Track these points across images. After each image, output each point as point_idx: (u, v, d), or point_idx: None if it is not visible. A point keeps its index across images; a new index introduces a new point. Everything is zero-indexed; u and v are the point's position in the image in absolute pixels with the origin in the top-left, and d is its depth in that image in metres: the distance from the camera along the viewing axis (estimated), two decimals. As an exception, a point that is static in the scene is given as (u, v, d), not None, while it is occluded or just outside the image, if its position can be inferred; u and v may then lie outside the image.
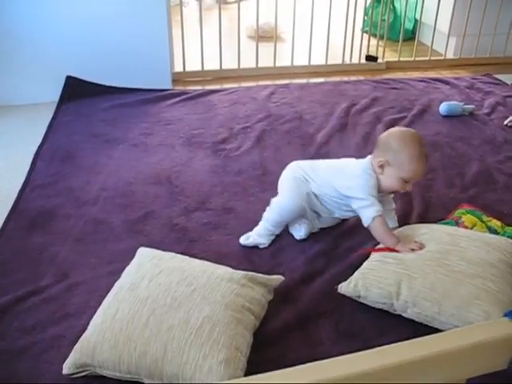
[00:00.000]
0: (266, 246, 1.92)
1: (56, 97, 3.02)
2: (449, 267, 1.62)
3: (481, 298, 1.54)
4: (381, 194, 1.88)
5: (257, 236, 1.94)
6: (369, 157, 1.91)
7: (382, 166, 1.83)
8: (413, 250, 1.73)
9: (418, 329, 1.57)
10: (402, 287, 1.60)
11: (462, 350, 0.61)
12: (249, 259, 1.86)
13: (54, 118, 2.84)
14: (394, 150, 1.81)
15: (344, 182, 1.88)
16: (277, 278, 1.63)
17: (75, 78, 3.10)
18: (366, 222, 1.82)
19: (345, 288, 1.67)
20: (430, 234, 1.80)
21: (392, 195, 1.98)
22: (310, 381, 0.65)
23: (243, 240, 1.93)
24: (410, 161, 1.80)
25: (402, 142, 1.81)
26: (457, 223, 2.04)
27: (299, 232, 1.96)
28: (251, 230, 1.97)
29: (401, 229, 1.90)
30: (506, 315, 0.66)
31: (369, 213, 1.80)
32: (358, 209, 1.84)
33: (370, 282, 1.64)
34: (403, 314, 1.62)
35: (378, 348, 0.65)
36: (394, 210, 2.00)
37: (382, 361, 0.60)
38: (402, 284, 1.61)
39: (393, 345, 0.64)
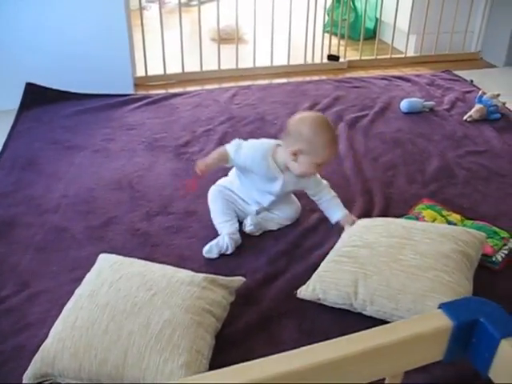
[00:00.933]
0: (230, 250, 1.90)
1: (15, 104, 2.98)
2: (403, 262, 1.64)
3: (436, 290, 1.57)
4: (299, 176, 1.94)
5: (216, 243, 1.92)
6: (273, 142, 1.96)
7: (295, 154, 1.86)
8: None
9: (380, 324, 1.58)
10: (358, 287, 1.62)
11: (398, 343, 0.62)
12: (211, 262, 1.86)
13: (13, 126, 2.80)
14: (306, 139, 1.83)
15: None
16: (238, 280, 1.64)
17: (35, 85, 3.06)
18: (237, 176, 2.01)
19: (304, 292, 1.69)
20: (386, 226, 1.82)
21: (316, 177, 2.01)
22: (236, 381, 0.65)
23: (206, 252, 1.90)
24: (323, 147, 1.84)
25: (314, 130, 1.84)
26: (417, 218, 2.07)
27: (248, 226, 1.97)
28: (213, 232, 1.97)
29: (358, 221, 1.93)
30: (440, 307, 0.68)
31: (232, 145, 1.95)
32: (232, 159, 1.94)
33: (327, 284, 1.65)
34: (363, 312, 1.64)
35: (310, 346, 0.66)
36: (335, 196, 2.02)
37: (314, 358, 0.60)
38: (359, 283, 1.63)
39: (326, 342, 0.65)
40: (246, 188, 2.02)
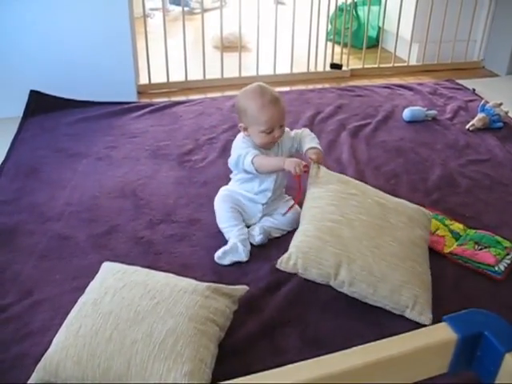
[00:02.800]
0: (245, 258, 1.90)
1: (19, 112, 2.99)
2: (384, 249, 1.70)
3: (411, 281, 1.67)
4: (265, 149, 1.98)
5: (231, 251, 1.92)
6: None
7: (245, 129, 1.95)
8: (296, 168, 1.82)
9: (382, 335, 1.58)
10: (341, 269, 1.66)
11: (403, 356, 0.62)
12: (214, 270, 1.86)
13: (17, 134, 2.81)
14: (243, 111, 1.91)
15: (231, 156, 2.01)
16: (241, 288, 1.64)
17: (39, 93, 3.07)
18: (250, 169, 1.91)
19: (284, 265, 1.68)
20: (360, 197, 1.84)
21: (289, 134, 2.05)
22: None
23: (218, 258, 1.91)
24: (258, 113, 1.88)
25: (245, 101, 1.91)
26: (420, 228, 2.07)
27: (257, 236, 1.97)
28: (217, 240, 1.98)
29: (324, 169, 1.93)
30: (444, 320, 0.68)
31: (247, 160, 1.90)
32: (240, 165, 1.94)
33: (310, 262, 1.67)
34: (337, 289, 1.70)
35: (315, 359, 0.66)
36: (313, 136, 2.05)
37: (319, 371, 0.61)
38: (342, 266, 1.66)
39: (331, 355, 0.65)
40: (249, 182, 2.03)
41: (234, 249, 1.90)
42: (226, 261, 1.89)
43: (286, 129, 2.05)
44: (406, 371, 0.65)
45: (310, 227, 1.75)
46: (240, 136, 2.01)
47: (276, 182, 2.02)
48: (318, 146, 1.99)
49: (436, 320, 1.57)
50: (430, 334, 0.66)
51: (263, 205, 2.04)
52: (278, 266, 1.69)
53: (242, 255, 1.90)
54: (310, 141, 2.01)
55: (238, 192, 2.06)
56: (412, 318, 1.67)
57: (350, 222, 1.75)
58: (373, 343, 0.67)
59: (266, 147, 1.98)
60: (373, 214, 1.80)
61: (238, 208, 2.03)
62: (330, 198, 1.82)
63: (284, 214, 2.03)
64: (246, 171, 1.96)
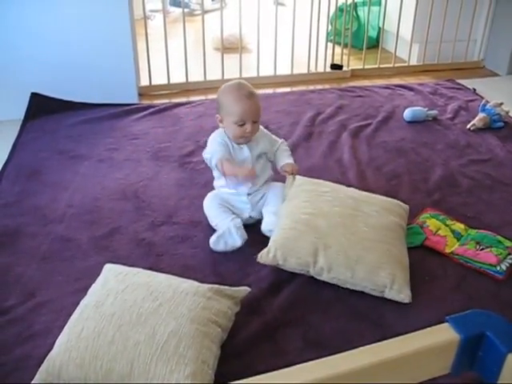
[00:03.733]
0: (239, 242, 1.92)
1: (20, 114, 3.00)
2: (358, 234, 1.78)
3: (387, 261, 1.75)
4: (237, 143, 2.07)
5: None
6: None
7: (220, 121, 2.07)
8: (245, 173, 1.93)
9: (384, 336, 1.58)
10: (318, 256, 1.74)
11: (406, 357, 0.63)
12: (215, 271, 1.86)
13: (18, 136, 2.82)
14: (219, 103, 2.06)
15: (206, 149, 2.12)
16: (243, 290, 1.64)
17: (40, 95, 3.07)
18: (219, 178, 2.08)
19: (264, 258, 1.77)
20: (334, 194, 1.96)
21: (271, 137, 2.17)
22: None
23: (213, 244, 1.94)
24: (232, 105, 2.00)
25: (223, 94, 2.05)
26: (421, 227, 2.07)
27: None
28: (218, 242, 1.98)
29: (299, 178, 2.06)
30: (447, 321, 0.68)
31: (213, 163, 2.02)
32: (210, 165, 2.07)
33: (288, 252, 1.75)
34: (317, 277, 1.76)
35: (319, 359, 0.66)
36: (287, 150, 2.17)
37: (320, 373, 0.61)
38: (319, 253, 1.74)
39: (333, 356, 0.65)
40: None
41: (227, 232, 1.92)
42: (221, 246, 1.92)
43: (266, 131, 2.16)
44: (409, 372, 0.66)
45: (286, 221, 1.86)
46: (217, 131, 2.12)
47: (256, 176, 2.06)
48: (292, 161, 2.13)
49: (438, 320, 1.57)
50: (433, 334, 0.66)
51: (248, 195, 2.07)
52: (258, 259, 1.77)
53: (236, 238, 1.91)
54: (285, 157, 2.14)
55: (222, 190, 2.11)
56: (392, 298, 1.73)
57: (324, 214, 1.85)
58: (375, 344, 0.67)
59: (239, 142, 2.06)
60: (346, 205, 1.91)
61: (226, 204, 2.06)
62: (304, 196, 1.95)
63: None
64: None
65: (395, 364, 0.63)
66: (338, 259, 1.73)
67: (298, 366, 0.67)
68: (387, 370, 0.64)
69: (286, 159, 2.12)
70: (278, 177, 2.18)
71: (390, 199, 2.06)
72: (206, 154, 2.08)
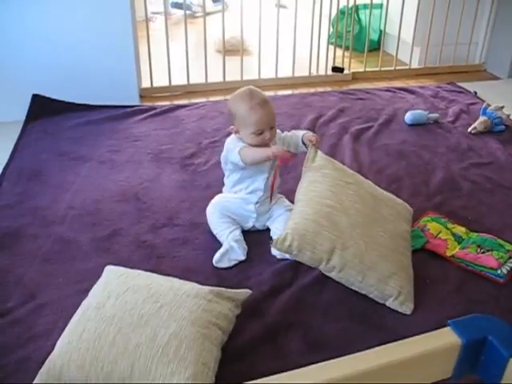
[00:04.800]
0: (242, 256, 1.92)
1: (22, 116, 3.00)
2: (375, 239, 1.76)
3: (398, 273, 1.74)
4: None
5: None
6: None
7: (237, 132, 1.99)
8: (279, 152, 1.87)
9: (385, 339, 1.58)
10: (334, 255, 1.70)
11: (408, 361, 0.63)
12: (216, 274, 1.86)
13: (20, 137, 2.82)
14: (233, 114, 1.97)
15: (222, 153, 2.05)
16: (244, 292, 1.64)
17: (41, 96, 3.08)
18: (237, 160, 1.95)
19: (279, 245, 1.70)
20: (355, 187, 1.91)
21: (280, 135, 2.08)
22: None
23: (217, 262, 1.91)
24: (247, 116, 1.92)
25: (235, 104, 1.96)
26: (422, 231, 2.07)
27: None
28: (219, 244, 1.97)
29: (321, 154, 1.99)
30: (449, 325, 0.68)
31: (234, 152, 1.94)
32: (228, 157, 1.99)
33: (305, 245, 1.69)
34: (325, 273, 1.75)
35: (319, 364, 0.66)
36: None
37: (322, 376, 0.61)
38: (335, 252, 1.70)
39: (335, 360, 0.65)
40: (240, 182, 2.05)
41: (229, 250, 1.92)
42: (225, 263, 1.90)
43: (278, 131, 2.08)
44: (410, 376, 0.66)
45: (308, 210, 1.78)
46: (232, 136, 2.05)
47: (267, 182, 2.04)
48: (306, 131, 2.07)
49: (438, 323, 1.57)
50: (435, 338, 0.66)
51: (255, 204, 2.04)
52: (272, 246, 1.72)
53: (239, 253, 1.91)
54: (303, 131, 2.08)
55: (229, 196, 2.09)
56: (394, 307, 1.73)
57: (345, 209, 1.80)
58: (377, 348, 0.67)
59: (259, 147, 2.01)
60: (366, 204, 1.87)
61: (228, 213, 2.04)
62: (328, 184, 1.87)
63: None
64: (233, 164, 1.99)
65: (397, 368, 0.63)
66: (352, 262, 1.70)
67: (300, 369, 0.67)
68: (389, 374, 0.64)
69: (304, 132, 2.06)
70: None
71: (400, 201, 2.05)
72: (226, 155, 2.02)
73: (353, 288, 1.75)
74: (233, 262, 1.91)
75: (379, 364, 0.63)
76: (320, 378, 0.64)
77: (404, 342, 0.66)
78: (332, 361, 0.66)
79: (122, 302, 1.47)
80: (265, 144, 1.96)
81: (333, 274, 1.73)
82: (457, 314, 0.83)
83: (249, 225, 2.06)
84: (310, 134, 2.03)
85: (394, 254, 1.77)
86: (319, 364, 0.69)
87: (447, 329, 0.67)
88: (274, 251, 1.93)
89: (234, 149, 1.95)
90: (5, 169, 2.52)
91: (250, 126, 1.93)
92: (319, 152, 2.00)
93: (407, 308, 1.73)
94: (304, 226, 1.72)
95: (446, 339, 0.66)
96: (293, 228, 1.72)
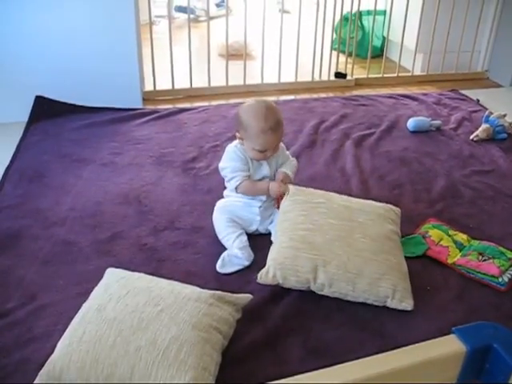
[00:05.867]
0: (247, 262, 1.92)
1: (24, 117, 3.00)
2: (356, 246, 1.77)
3: (387, 272, 1.74)
4: (258, 161, 2.02)
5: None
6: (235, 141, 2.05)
7: (240, 139, 1.99)
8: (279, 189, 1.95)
9: (385, 346, 1.57)
10: (318, 272, 1.72)
11: (412, 367, 0.62)
12: (217, 278, 1.86)
13: (22, 138, 2.82)
14: (243, 125, 1.94)
15: (221, 163, 2.06)
16: (245, 297, 1.63)
17: (44, 98, 3.08)
18: (233, 190, 2.01)
19: (264, 278, 1.75)
20: (328, 205, 1.91)
21: (284, 152, 2.11)
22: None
23: (220, 267, 1.91)
24: (257, 135, 1.91)
25: (249, 117, 1.92)
26: (424, 237, 2.07)
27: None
28: (220, 248, 1.97)
29: (292, 188, 1.99)
30: (454, 332, 0.68)
31: (231, 185, 2.01)
32: (226, 181, 2.04)
33: (287, 271, 1.73)
34: (318, 292, 1.75)
35: (319, 370, 0.66)
36: (294, 162, 2.14)
37: (329, 381, 0.61)
38: (318, 270, 1.72)
39: (345, 364, 0.65)
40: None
41: (233, 257, 1.92)
42: (228, 269, 1.90)
43: (283, 145, 2.10)
44: (415, 382, 0.65)
45: (284, 239, 1.82)
46: (235, 143, 2.05)
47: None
48: (289, 173, 2.06)
49: (439, 330, 1.56)
50: (439, 345, 0.66)
51: (259, 208, 2.05)
52: (258, 280, 1.74)
53: (243, 259, 1.91)
54: (287, 168, 2.08)
55: (233, 199, 2.09)
56: (395, 307, 1.74)
57: (320, 227, 1.82)
58: (380, 355, 0.67)
59: (257, 160, 2.03)
60: (341, 216, 1.88)
61: (234, 218, 2.04)
62: (299, 209, 1.90)
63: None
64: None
65: (402, 374, 0.63)
66: (338, 274, 1.71)
67: (303, 375, 0.66)
68: (393, 380, 0.64)
69: (284, 168, 2.07)
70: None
71: (382, 205, 2.02)
72: (225, 169, 2.03)
73: (349, 299, 1.75)
74: (236, 268, 1.90)
75: (384, 370, 0.63)
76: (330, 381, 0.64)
77: (408, 349, 0.66)
78: (335, 367, 0.66)
79: (122, 305, 1.47)
80: (265, 159, 2.00)
81: (325, 292, 1.74)
82: (458, 322, 0.83)
83: (253, 228, 2.06)
84: (282, 172, 2.05)
85: (378, 255, 1.77)
86: (321, 370, 0.68)
87: (452, 336, 0.67)
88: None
89: (230, 180, 2.00)
90: (7, 170, 2.52)
91: (256, 144, 1.93)
92: (290, 186, 2.01)
93: (407, 304, 1.73)
94: (282, 254, 1.77)
95: (450, 346, 0.65)
96: (273, 259, 1.77)
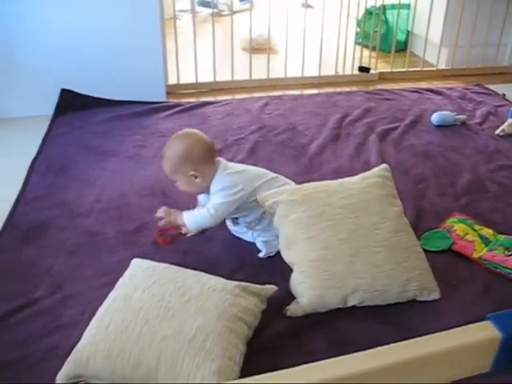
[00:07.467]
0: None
1: (50, 110, 3.04)
2: (375, 260, 1.71)
3: (412, 276, 1.72)
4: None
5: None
6: None
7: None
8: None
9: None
10: (347, 300, 1.70)
11: (446, 353, 0.62)
12: (241, 269, 1.86)
13: (48, 131, 2.85)
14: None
15: None
16: (270, 288, 1.64)
17: (70, 91, 3.11)
18: None
19: (294, 314, 1.69)
20: (329, 212, 1.78)
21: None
22: (305, 381, 0.65)
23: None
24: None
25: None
26: (449, 232, 2.06)
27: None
28: (244, 240, 1.99)
29: (292, 191, 1.88)
30: (488, 318, 0.67)
31: None
32: None
33: (317, 306, 1.69)
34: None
35: (365, 351, 0.66)
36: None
37: (368, 363, 0.61)
38: (348, 298, 1.70)
39: (379, 348, 0.65)
40: None
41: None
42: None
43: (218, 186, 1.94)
44: (447, 369, 0.65)
45: (302, 276, 1.73)
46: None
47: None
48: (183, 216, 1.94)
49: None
50: (473, 332, 0.65)
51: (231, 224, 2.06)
52: (288, 315, 1.69)
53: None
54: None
55: None
56: (423, 300, 1.76)
57: (334, 250, 1.73)
58: (412, 340, 0.67)
59: None
60: (348, 224, 1.77)
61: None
62: (303, 232, 1.77)
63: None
64: None
65: (434, 360, 0.63)
66: (366, 295, 1.70)
67: (332, 359, 0.66)
68: (425, 366, 0.64)
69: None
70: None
71: (371, 173, 1.95)
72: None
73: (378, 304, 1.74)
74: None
75: (415, 356, 0.63)
76: (352, 368, 0.64)
77: (441, 335, 0.65)
78: (363, 352, 0.66)
79: (149, 295, 1.48)
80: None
81: (355, 305, 1.73)
82: (482, 316, 0.81)
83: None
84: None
85: (398, 258, 1.74)
86: (353, 354, 0.68)
87: (486, 322, 0.67)
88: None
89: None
90: (33, 162, 2.55)
91: None
92: (271, 200, 1.84)
93: (435, 295, 1.76)
94: (307, 296, 1.69)
95: (484, 333, 0.65)
96: (299, 301, 1.70)
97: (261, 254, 1.94)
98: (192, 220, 1.90)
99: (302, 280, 1.72)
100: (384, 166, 2.02)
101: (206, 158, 1.88)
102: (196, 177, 1.87)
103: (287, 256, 1.80)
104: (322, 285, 1.69)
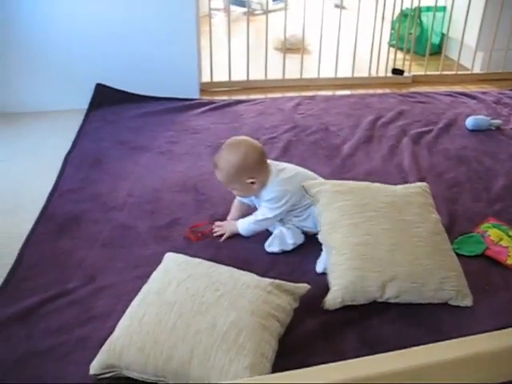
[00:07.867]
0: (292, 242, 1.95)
1: (84, 104, 3.07)
2: (415, 252, 1.74)
3: (448, 275, 1.73)
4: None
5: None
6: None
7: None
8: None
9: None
10: (386, 289, 1.69)
11: (492, 354, 0.61)
12: (275, 267, 1.87)
13: (82, 125, 2.89)
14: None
15: None
16: (303, 286, 1.64)
17: (105, 86, 3.14)
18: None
19: (332, 305, 1.69)
20: (373, 204, 1.85)
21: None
22: (333, 380, 0.65)
23: (268, 246, 1.96)
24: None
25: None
26: (482, 237, 2.03)
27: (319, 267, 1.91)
28: (277, 237, 1.99)
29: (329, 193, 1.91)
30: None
31: None
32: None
33: (355, 293, 1.69)
34: (379, 300, 1.73)
35: (392, 352, 0.65)
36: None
37: (412, 361, 0.60)
38: (386, 286, 1.69)
39: (419, 347, 0.64)
40: None
41: (279, 234, 1.95)
42: (276, 247, 1.94)
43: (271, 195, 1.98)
44: (493, 370, 0.64)
45: (342, 258, 1.74)
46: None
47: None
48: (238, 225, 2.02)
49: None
50: (508, 336, 0.64)
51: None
52: (326, 307, 1.69)
53: (289, 238, 1.94)
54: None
55: None
56: (456, 304, 1.74)
57: (376, 237, 1.76)
58: (459, 339, 0.66)
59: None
60: (391, 217, 1.83)
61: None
62: (347, 219, 1.81)
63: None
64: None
65: (479, 361, 0.62)
66: (405, 286, 1.69)
67: (359, 358, 0.66)
68: (470, 366, 0.63)
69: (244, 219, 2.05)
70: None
71: (413, 186, 2.02)
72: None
73: (414, 303, 1.73)
74: (284, 247, 1.93)
75: (462, 355, 0.62)
76: (398, 365, 0.64)
77: (488, 336, 0.64)
78: (410, 349, 0.65)
79: (183, 289, 1.49)
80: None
81: (390, 300, 1.72)
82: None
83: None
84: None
85: (436, 256, 1.76)
86: (395, 352, 0.68)
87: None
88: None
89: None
90: (68, 155, 2.58)
91: None
92: (320, 188, 1.92)
93: (468, 301, 1.75)
94: (346, 277, 1.70)
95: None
96: (338, 284, 1.70)
97: (275, 250, 1.95)
98: (246, 229, 2.00)
99: (342, 262, 1.74)
100: (424, 183, 2.05)
101: (260, 163, 1.93)
102: (254, 183, 1.91)
103: (327, 240, 1.83)
104: (361, 266, 1.71)
